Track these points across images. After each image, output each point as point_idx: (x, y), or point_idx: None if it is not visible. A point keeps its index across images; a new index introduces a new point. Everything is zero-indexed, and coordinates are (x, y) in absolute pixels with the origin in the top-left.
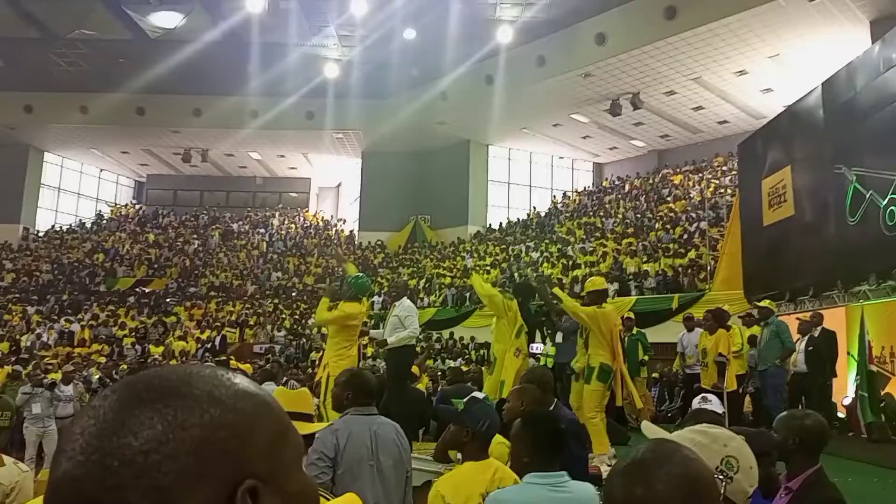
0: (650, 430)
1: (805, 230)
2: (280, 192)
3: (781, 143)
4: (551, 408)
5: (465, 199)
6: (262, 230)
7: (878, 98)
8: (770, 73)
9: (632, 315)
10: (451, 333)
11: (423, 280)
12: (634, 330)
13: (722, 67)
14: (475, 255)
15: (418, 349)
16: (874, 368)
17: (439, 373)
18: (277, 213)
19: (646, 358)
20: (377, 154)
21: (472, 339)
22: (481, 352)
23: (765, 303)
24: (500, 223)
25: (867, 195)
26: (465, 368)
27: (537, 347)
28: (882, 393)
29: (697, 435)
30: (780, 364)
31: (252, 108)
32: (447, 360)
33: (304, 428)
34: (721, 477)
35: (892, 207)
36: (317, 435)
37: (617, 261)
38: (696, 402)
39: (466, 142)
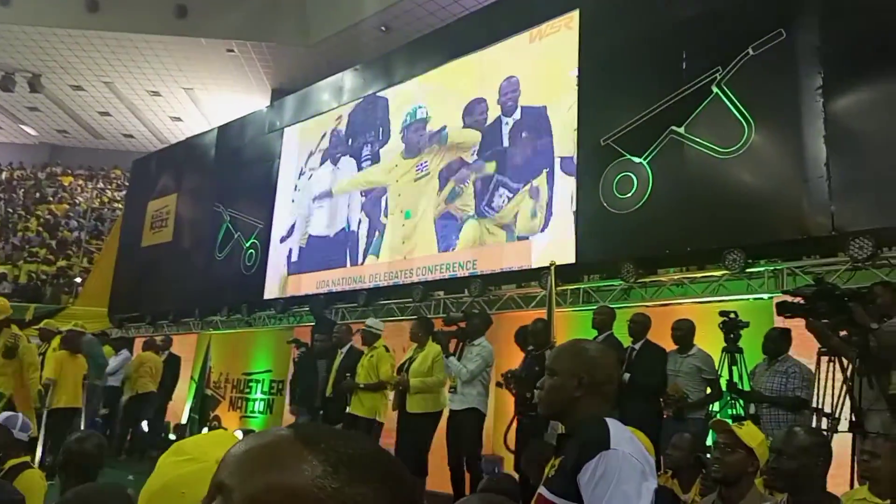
0: None
1: (179, 257)
2: None
3: (174, 171)
4: None
5: None
6: None
7: (259, 154)
8: (182, 104)
9: None
10: None
11: None
12: None
13: (137, 82)
14: None
15: None
16: (209, 392)
17: None
18: None
19: None
20: None
21: None
22: None
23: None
24: None
25: (236, 235)
26: None
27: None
28: (212, 415)
29: None
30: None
31: None
32: None
33: None
34: None
35: (252, 250)
36: None
37: None
38: None
39: None
